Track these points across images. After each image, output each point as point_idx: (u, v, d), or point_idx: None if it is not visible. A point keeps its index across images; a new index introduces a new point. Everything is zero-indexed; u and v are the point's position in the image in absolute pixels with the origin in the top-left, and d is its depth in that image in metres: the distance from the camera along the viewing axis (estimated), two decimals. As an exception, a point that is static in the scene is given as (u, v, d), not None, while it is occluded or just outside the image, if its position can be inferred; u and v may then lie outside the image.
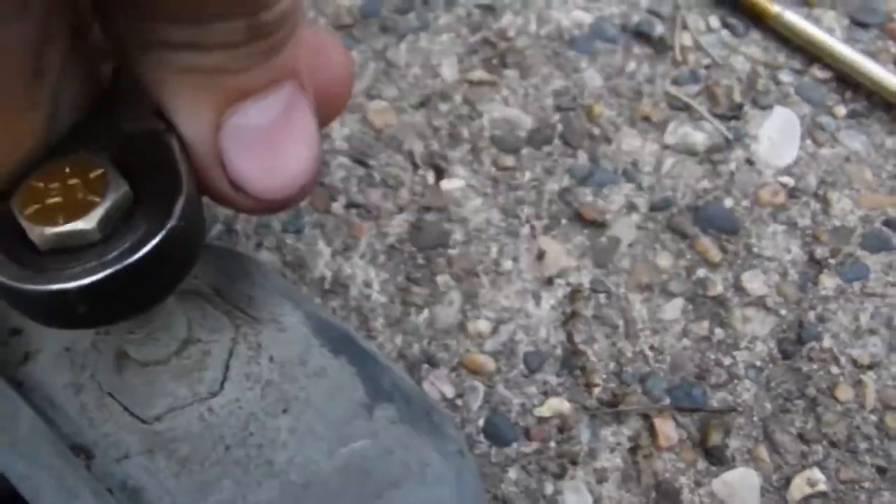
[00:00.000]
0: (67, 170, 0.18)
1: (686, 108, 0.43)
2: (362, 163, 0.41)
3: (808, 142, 0.42)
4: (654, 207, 0.40)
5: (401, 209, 0.40)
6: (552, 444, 0.35)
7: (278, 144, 0.19)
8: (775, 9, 0.45)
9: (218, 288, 0.25)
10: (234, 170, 0.19)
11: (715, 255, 0.39)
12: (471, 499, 0.23)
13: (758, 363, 0.37)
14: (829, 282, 0.38)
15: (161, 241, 0.18)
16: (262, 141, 0.19)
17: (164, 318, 0.23)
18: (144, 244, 0.18)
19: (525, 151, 0.42)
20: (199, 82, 0.18)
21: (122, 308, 0.18)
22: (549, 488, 0.34)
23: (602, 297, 0.38)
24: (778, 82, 0.44)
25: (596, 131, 0.42)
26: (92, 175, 0.18)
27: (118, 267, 0.17)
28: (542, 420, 0.35)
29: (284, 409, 0.24)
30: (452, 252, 0.39)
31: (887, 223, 0.40)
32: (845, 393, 0.36)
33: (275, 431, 0.23)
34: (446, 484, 0.23)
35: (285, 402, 0.24)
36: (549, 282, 0.38)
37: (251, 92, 0.19)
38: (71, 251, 0.18)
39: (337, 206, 0.40)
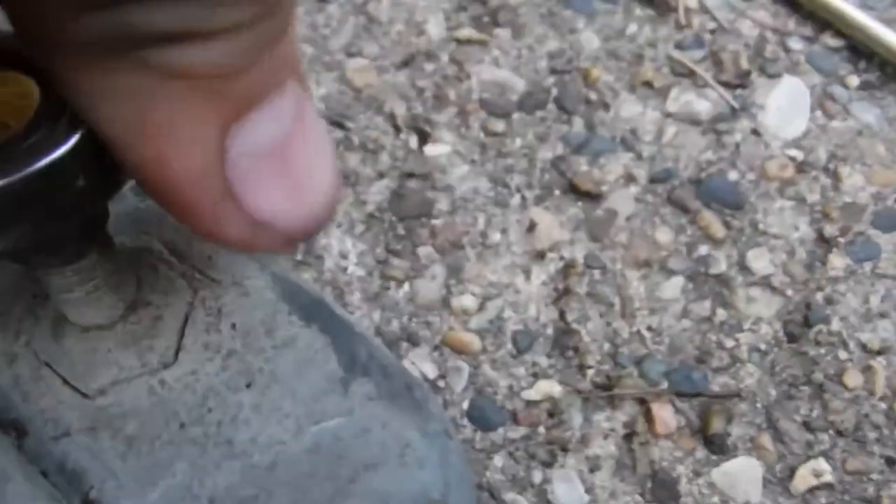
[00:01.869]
0: None
1: (690, 74, 0.43)
2: (340, 125, 0.41)
3: (819, 113, 0.42)
4: (653, 179, 0.40)
5: (381, 175, 0.40)
6: (541, 429, 0.34)
7: (298, 160, 0.16)
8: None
9: (174, 246, 0.24)
10: (255, 203, 0.16)
11: (718, 230, 0.39)
12: (457, 485, 0.22)
13: (762, 346, 0.36)
14: (838, 261, 0.38)
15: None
16: (280, 159, 0.16)
17: (108, 276, 0.22)
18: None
19: (516, 116, 0.42)
20: (200, 92, 0.14)
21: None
22: (537, 476, 0.33)
23: (597, 273, 0.38)
24: (787, 49, 0.44)
25: (593, 96, 0.42)
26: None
27: None
28: (530, 403, 0.35)
29: (248, 383, 0.23)
30: (436, 222, 0.38)
31: (900, 201, 0.40)
32: (854, 379, 0.35)
33: (236, 407, 0.22)
34: (429, 467, 0.23)
35: (248, 375, 0.23)
36: (541, 256, 0.38)
37: (258, 97, 0.15)
38: None
39: (312, 170, 0.40)
